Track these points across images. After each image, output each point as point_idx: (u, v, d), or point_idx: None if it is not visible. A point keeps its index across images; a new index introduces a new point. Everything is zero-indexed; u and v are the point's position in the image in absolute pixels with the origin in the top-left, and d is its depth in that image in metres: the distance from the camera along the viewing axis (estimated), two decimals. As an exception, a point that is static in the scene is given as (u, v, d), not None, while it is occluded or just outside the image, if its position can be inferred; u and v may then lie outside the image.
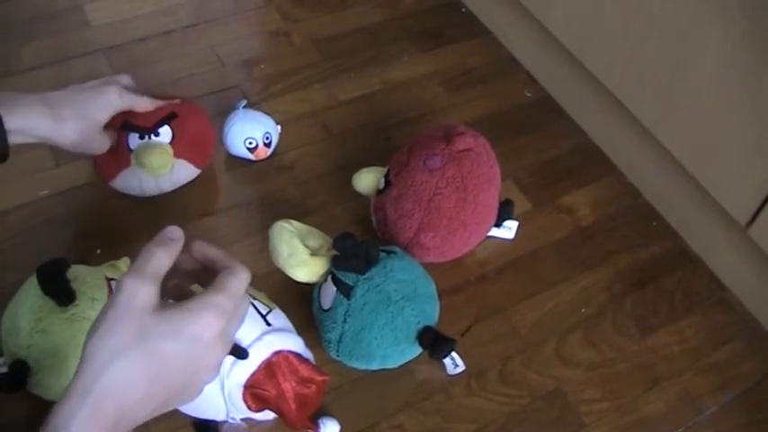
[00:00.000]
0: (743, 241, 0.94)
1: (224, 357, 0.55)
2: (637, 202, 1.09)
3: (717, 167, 0.93)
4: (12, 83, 1.12)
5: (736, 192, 0.91)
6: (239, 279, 0.55)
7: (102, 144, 0.90)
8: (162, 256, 0.53)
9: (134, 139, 0.94)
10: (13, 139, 0.79)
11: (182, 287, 0.59)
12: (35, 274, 0.77)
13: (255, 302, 0.77)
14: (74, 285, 0.76)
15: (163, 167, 0.95)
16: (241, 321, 0.58)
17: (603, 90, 1.06)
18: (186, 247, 0.56)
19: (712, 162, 0.93)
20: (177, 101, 0.97)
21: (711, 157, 0.93)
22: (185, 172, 0.98)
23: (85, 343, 0.50)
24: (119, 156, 0.94)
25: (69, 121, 0.83)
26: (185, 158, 0.97)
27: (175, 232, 0.55)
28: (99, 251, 0.94)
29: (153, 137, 0.94)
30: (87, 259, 0.92)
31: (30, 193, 0.99)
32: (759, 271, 0.95)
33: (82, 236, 0.96)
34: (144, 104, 0.92)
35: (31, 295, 0.77)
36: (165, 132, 0.94)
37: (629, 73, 1.01)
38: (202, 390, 0.55)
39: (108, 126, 0.89)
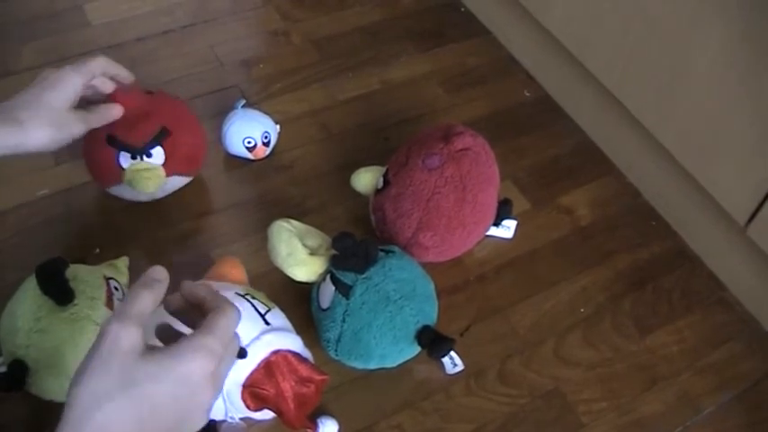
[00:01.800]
0: (742, 241, 0.94)
1: (215, 399, 0.54)
2: (636, 202, 1.09)
3: (716, 167, 0.92)
4: (11, 82, 1.12)
5: (736, 191, 0.91)
6: (229, 319, 0.54)
7: (78, 127, 0.80)
8: (146, 297, 0.52)
9: (125, 158, 0.91)
10: None
11: (169, 328, 0.58)
12: (34, 274, 0.77)
13: (254, 302, 0.77)
14: (73, 285, 0.76)
15: (155, 189, 0.93)
16: (232, 361, 0.56)
17: (603, 90, 1.06)
18: (175, 287, 0.56)
19: (712, 162, 0.93)
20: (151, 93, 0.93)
21: (711, 157, 0.93)
22: (177, 181, 0.97)
23: (70, 389, 0.49)
24: (110, 172, 0.92)
25: (30, 121, 0.76)
26: (178, 173, 0.95)
27: (161, 273, 0.54)
28: (98, 251, 0.94)
29: (145, 158, 0.91)
30: (86, 259, 0.92)
31: (29, 193, 0.99)
32: (758, 271, 0.95)
33: (81, 235, 0.96)
34: (100, 64, 0.82)
35: (29, 295, 0.77)
36: (158, 154, 0.91)
37: (629, 73, 1.01)
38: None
39: (82, 106, 0.83)
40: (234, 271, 0.82)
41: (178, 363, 0.50)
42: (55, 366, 0.74)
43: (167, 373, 0.50)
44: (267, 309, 0.77)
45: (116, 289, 0.81)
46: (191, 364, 0.51)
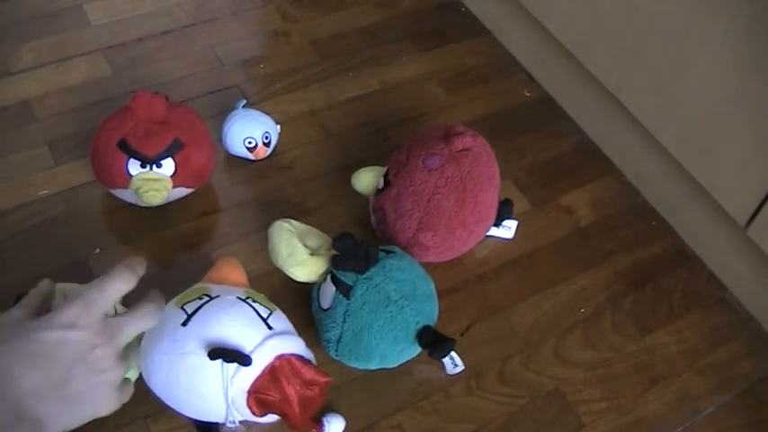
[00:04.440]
0: (742, 241, 0.94)
1: (112, 353, 0.61)
2: (636, 202, 1.09)
3: (716, 167, 0.93)
4: (11, 82, 1.12)
5: (735, 191, 0.91)
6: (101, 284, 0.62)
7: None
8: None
9: (135, 166, 0.90)
10: None
11: None
12: None
13: (256, 305, 0.76)
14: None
15: (160, 202, 0.93)
16: (134, 324, 0.64)
17: (603, 90, 1.06)
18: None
19: (711, 162, 0.93)
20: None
21: (711, 157, 0.93)
22: (181, 192, 0.96)
23: None
24: (117, 177, 0.91)
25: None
26: (184, 186, 0.95)
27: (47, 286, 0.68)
28: (98, 251, 0.94)
29: (155, 167, 0.91)
30: (87, 259, 0.92)
31: (29, 193, 0.99)
32: (758, 271, 0.95)
33: (81, 235, 0.96)
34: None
35: None
36: (168, 165, 0.91)
37: (629, 73, 1.01)
38: (105, 391, 0.61)
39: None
40: (233, 273, 0.82)
41: (57, 312, 0.59)
42: None
43: (49, 320, 0.59)
44: (269, 312, 0.77)
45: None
46: (68, 310, 0.60)
